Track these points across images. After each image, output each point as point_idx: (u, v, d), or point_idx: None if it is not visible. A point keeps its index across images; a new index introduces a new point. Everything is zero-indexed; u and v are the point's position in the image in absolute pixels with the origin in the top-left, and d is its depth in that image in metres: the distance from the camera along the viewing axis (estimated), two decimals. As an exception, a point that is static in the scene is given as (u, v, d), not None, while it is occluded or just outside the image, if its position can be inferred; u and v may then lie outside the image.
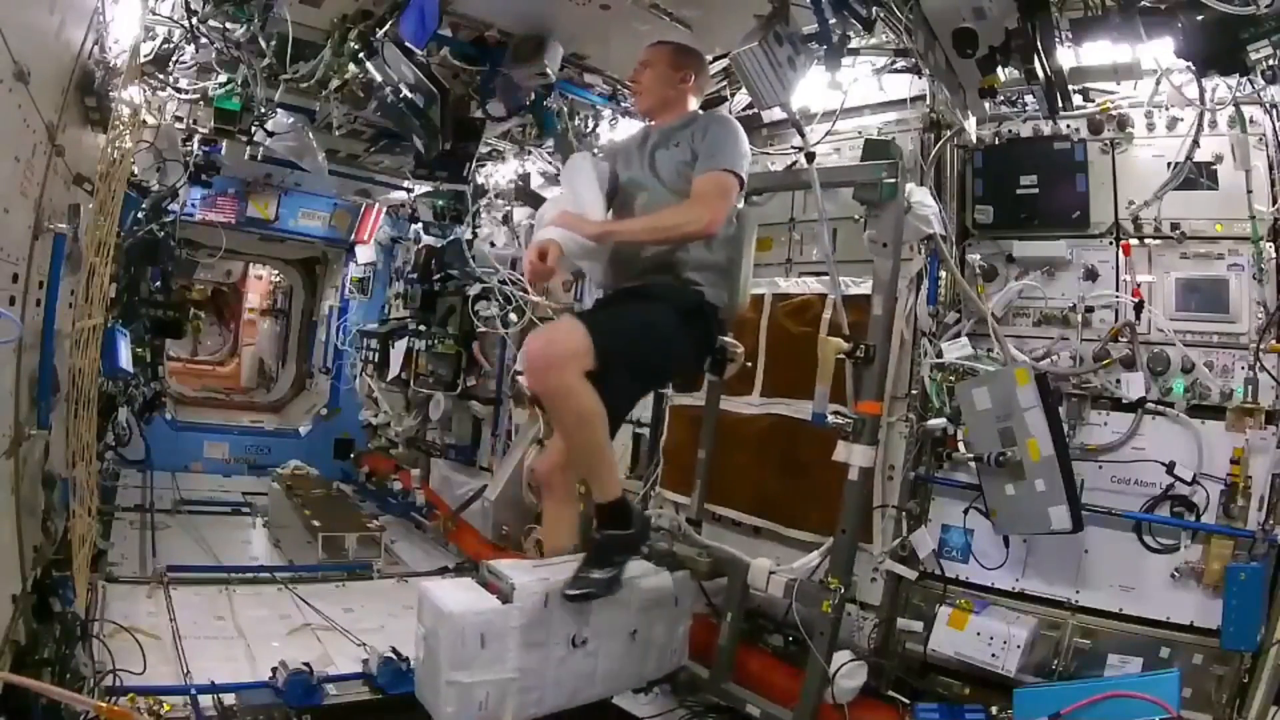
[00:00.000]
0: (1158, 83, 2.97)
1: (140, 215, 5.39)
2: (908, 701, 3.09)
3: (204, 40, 3.72)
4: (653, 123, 2.97)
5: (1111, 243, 3.09)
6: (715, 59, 3.43)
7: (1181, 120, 2.95)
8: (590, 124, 4.33)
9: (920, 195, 3.09)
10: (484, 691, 2.47)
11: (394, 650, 3.36)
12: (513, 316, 5.51)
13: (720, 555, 3.34)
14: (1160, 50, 2.71)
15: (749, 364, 3.37)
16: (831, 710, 2.95)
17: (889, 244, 2.98)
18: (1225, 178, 2.87)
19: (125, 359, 4.52)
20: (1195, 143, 2.90)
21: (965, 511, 3.23)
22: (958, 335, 3.29)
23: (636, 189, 2.81)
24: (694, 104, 2.91)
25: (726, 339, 3.01)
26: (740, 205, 2.90)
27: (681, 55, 2.89)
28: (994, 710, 2.88)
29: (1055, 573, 3.03)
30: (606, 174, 2.83)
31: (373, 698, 3.28)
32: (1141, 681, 2.57)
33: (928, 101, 3.44)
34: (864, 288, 3.46)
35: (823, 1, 2.59)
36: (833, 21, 2.65)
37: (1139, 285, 2.98)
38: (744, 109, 3.83)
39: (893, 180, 2.96)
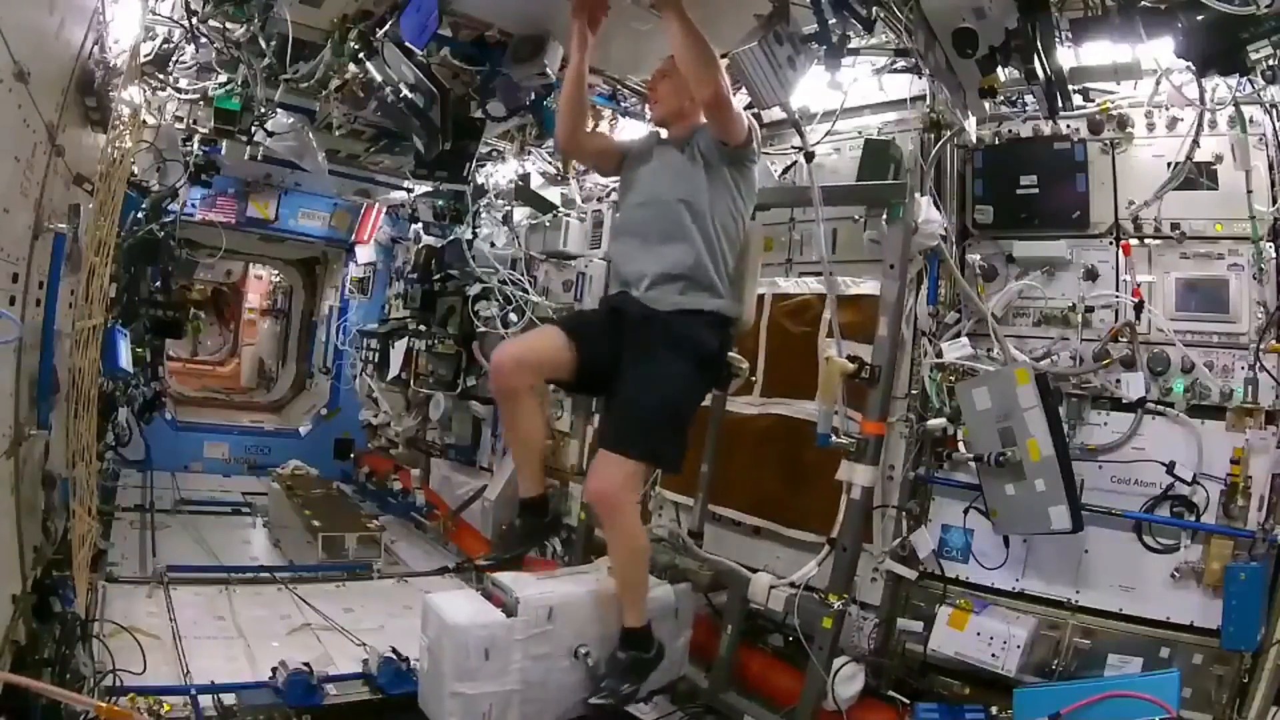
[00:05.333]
0: (1158, 83, 2.96)
1: (140, 215, 5.39)
2: (908, 701, 3.08)
3: (204, 40, 3.74)
4: (663, 131, 3.03)
5: (1111, 243, 3.08)
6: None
7: (1181, 120, 2.95)
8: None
9: (923, 210, 3.08)
10: (487, 703, 2.50)
11: (394, 650, 3.36)
12: (513, 316, 5.50)
13: (721, 568, 3.34)
14: (1160, 50, 2.70)
15: (751, 379, 3.38)
16: (831, 713, 2.95)
17: (895, 265, 2.97)
18: (1225, 178, 2.87)
19: (125, 359, 4.52)
20: (1195, 143, 2.90)
21: (965, 511, 3.22)
22: (958, 335, 3.29)
23: (641, 183, 2.89)
24: (702, 119, 2.91)
25: (732, 354, 3.02)
26: (751, 219, 2.96)
27: None
28: (994, 710, 2.88)
29: (1055, 573, 3.03)
30: None
31: (373, 698, 3.28)
32: (1141, 681, 2.57)
33: (928, 101, 3.44)
34: (863, 288, 3.47)
35: (823, 1, 2.59)
36: (833, 21, 2.65)
37: (1139, 285, 2.97)
38: (744, 109, 3.81)
39: (900, 201, 2.96)
